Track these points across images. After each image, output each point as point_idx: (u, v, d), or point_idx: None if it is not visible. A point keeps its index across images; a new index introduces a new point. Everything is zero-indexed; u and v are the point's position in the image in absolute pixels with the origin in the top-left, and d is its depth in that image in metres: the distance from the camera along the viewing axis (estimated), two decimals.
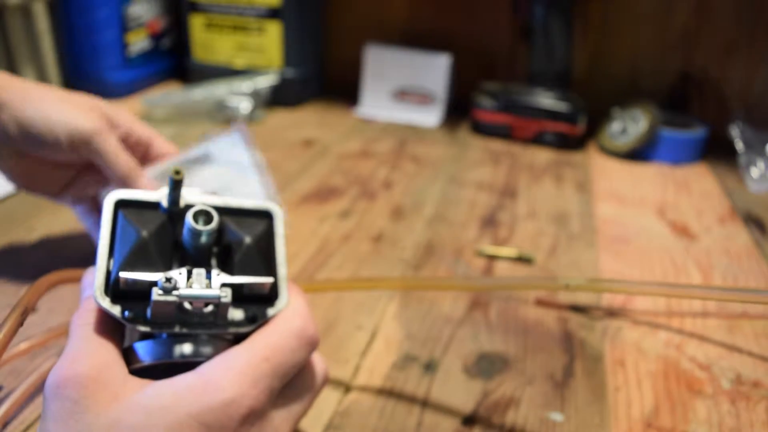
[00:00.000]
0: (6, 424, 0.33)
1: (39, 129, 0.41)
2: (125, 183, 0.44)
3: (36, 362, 0.38)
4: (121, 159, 0.43)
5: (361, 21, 0.97)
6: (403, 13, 0.96)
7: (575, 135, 0.83)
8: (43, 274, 0.33)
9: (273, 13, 0.88)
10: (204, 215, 0.27)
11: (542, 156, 0.81)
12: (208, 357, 0.26)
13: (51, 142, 0.41)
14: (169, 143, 0.48)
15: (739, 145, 0.78)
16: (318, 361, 0.30)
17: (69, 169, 0.46)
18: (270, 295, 0.28)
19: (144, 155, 0.48)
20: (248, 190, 0.47)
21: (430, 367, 0.40)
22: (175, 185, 0.28)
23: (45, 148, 0.42)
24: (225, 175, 0.48)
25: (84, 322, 0.26)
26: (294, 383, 0.28)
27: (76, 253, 0.50)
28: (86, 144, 0.42)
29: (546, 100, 0.83)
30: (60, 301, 0.43)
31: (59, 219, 0.56)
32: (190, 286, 0.26)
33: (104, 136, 0.42)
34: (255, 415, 0.25)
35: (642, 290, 0.42)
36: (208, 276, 0.27)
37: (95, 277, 0.26)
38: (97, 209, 0.47)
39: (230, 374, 0.25)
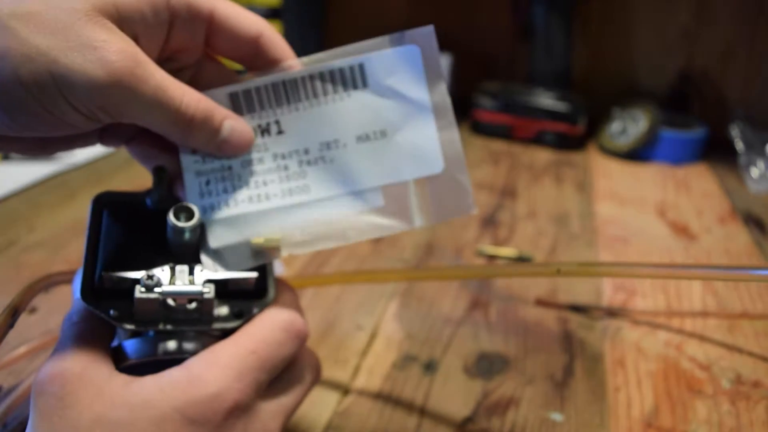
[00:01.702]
0: (6, 424, 0.33)
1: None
2: (193, 132, 0.26)
3: (35, 363, 0.38)
4: (174, 97, 0.25)
5: (361, 21, 0.97)
6: (403, 13, 0.96)
7: (575, 135, 0.83)
8: (43, 274, 0.33)
9: (273, 13, 0.88)
10: (185, 212, 0.27)
11: (542, 156, 0.81)
12: (194, 353, 0.26)
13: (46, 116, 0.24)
14: (284, 43, 0.29)
15: (739, 145, 0.78)
16: (309, 355, 0.30)
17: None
18: (257, 291, 0.28)
19: (251, 56, 0.29)
20: (417, 143, 0.29)
21: (430, 367, 0.40)
22: (160, 182, 0.28)
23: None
24: (384, 112, 0.28)
25: (72, 322, 0.27)
26: (283, 377, 0.28)
27: (76, 253, 0.50)
28: (109, 100, 0.24)
29: (546, 100, 0.83)
30: (59, 303, 0.43)
31: (59, 219, 0.56)
32: (173, 283, 0.26)
33: (139, 72, 0.24)
34: (241, 408, 0.25)
35: (634, 272, 0.41)
36: (192, 272, 0.27)
37: (81, 276, 0.26)
38: (147, 140, 0.30)
39: (215, 368, 0.25)
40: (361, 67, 0.29)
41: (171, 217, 0.27)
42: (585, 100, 0.84)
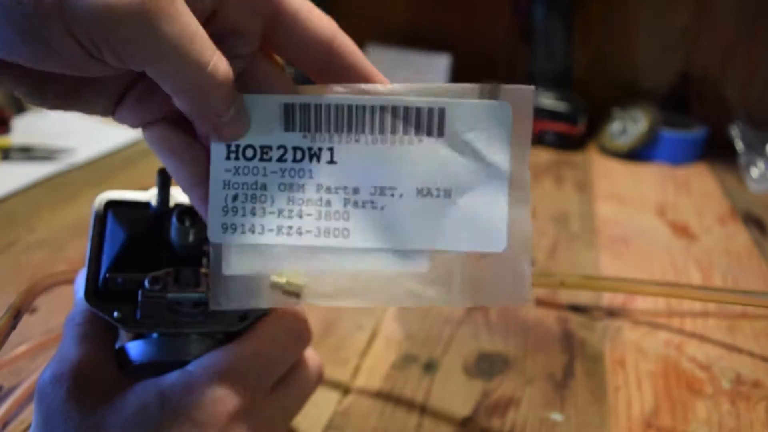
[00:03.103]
0: (6, 424, 0.33)
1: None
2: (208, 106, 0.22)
3: (36, 363, 0.38)
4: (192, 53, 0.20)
5: (361, 21, 0.97)
6: (403, 13, 0.96)
7: (575, 135, 0.83)
8: (43, 274, 0.33)
9: None
10: (190, 214, 0.27)
11: (542, 156, 0.81)
12: (198, 356, 0.26)
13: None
14: (358, 50, 0.25)
15: (739, 145, 0.78)
16: (312, 357, 0.30)
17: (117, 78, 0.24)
18: None
19: (320, 62, 0.25)
20: (483, 213, 0.25)
21: (430, 367, 0.40)
22: (164, 184, 0.28)
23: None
24: (454, 169, 0.25)
25: (76, 323, 0.26)
26: (287, 380, 0.28)
27: (76, 253, 0.50)
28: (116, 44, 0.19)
29: (546, 100, 0.82)
30: (60, 302, 0.43)
31: (59, 219, 0.56)
32: (178, 286, 0.26)
33: (164, 4, 0.19)
34: (245, 411, 0.25)
35: (639, 289, 0.42)
36: (197, 275, 0.27)
37: (85, 277, 0.26)
38: (171, 130, 0.25)
39: (219, 370, 0.25)
40: (442, 112, 0.25)
41: (175, 219, 0.27)
42: (585, 100, 0.84)
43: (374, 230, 0.25)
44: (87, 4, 0.18)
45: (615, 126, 0.82)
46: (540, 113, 0.82)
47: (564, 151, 0.83)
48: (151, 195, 0.28)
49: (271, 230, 0.25)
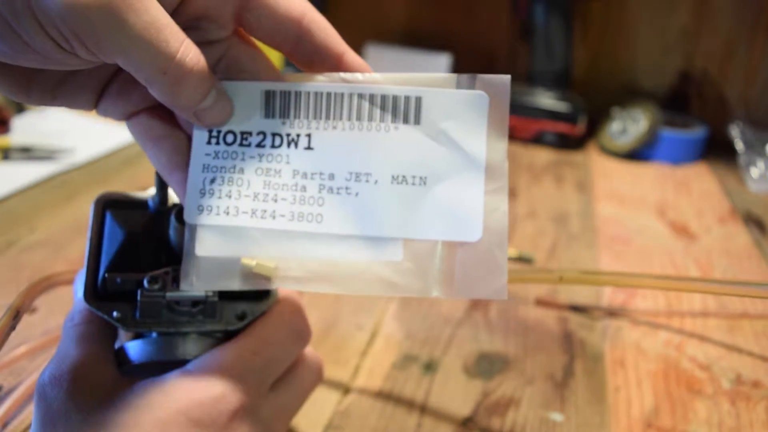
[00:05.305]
0: (6, 424, 0.33)
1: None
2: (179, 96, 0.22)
3: (36, 363, 0.38)
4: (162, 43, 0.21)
5: (361, 21, 0.97)
6: (402, 13, 0.96)
7: (575, 135, 0.83)
8: (43, 274, 0.33)
9: None
10: None
11: (542, 156, 0.81)
12: (198, 355, 0.26)
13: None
14: (330, 27, 0.26)
15: (739, 145, 0.78)
16: (312, 356, 0.30)
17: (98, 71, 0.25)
18: (260, 292, 0.28)
19: (292, 40, 0.25)
20: (458, 201, 0.25)
21: (430, 367, 0.40)
22: (162, 184, 0.28)
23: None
24: (430, 157, 0.25)
25: (75, 323, 0.27)
26: (287, 378, 0.28)
27: (76, 253, 0.50)
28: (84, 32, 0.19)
29: (546, 100, 0.82)
30: (59, 302, 0.43)
31: (59, 219, 0.56)
32: (177, 285, 0.26)
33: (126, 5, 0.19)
34: (245, 409, 0.25)
35: (637, 282, 0.42)
36: None
37: (84, 278, 0.26)
38: (154, 119, 0.26)
39: (218, 370, 0.25)
40: (419, 100, 0.25)
41: (174, 218, 0.27)
42: (585, 100, 0.84)
43: (348, 216, 0.25)
44: (56, 0, 0.19)
45: (615, 126, 0.82)
46: (540, 113, 0.82)
47: (564, 151, 0.83)
48: (149, 195, 0.28)
49: (245, 213, 0.25)
